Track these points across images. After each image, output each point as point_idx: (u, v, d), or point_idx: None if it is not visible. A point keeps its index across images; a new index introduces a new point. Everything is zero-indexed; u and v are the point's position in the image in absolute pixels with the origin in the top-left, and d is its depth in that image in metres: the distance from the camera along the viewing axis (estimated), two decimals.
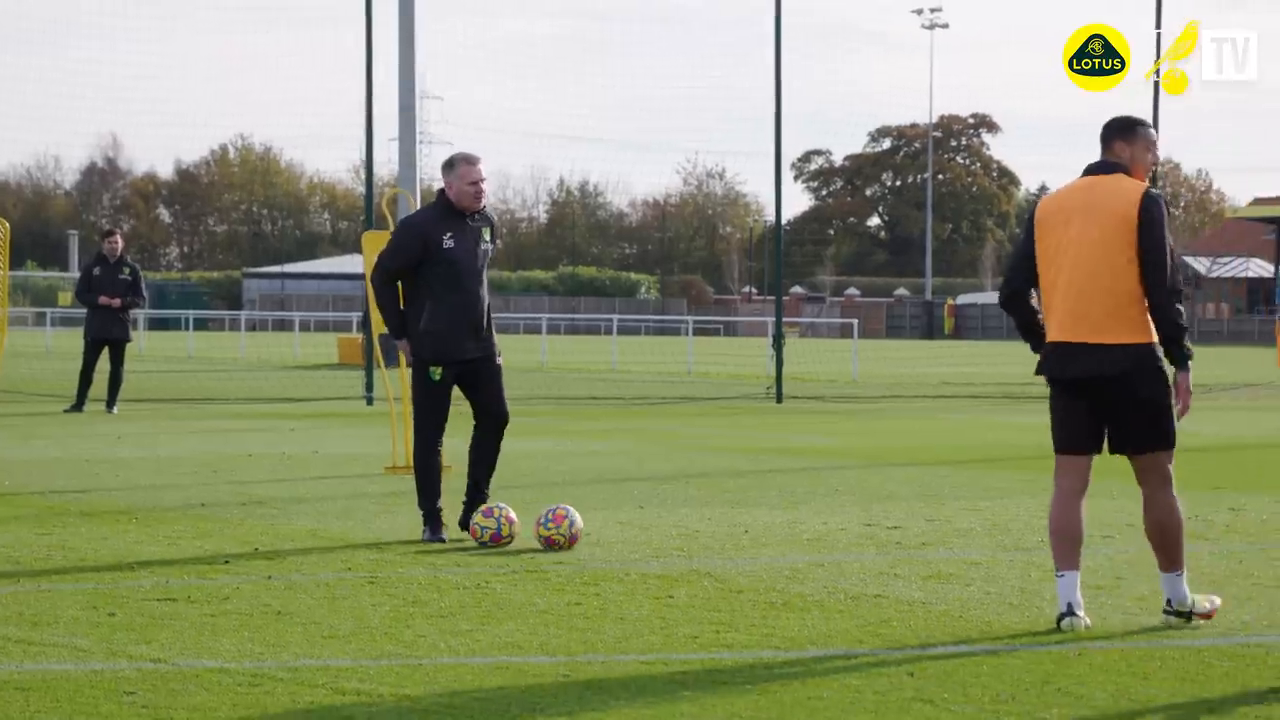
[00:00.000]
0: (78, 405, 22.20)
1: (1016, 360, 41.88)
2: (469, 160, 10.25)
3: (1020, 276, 7.93)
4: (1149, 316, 7.65)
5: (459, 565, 9.47)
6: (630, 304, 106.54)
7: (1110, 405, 7.71)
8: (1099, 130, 7.96)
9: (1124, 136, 7.86)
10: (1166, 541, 7.79)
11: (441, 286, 10.27)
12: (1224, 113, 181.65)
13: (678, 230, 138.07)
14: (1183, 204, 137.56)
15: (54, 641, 7.24)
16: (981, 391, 31.89)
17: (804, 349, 48.11)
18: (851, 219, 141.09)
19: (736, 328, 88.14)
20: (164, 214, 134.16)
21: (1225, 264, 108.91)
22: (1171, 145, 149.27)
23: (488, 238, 10.43)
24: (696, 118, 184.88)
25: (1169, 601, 7.77)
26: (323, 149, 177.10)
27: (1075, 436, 7.81)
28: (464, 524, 10.41)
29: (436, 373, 10.44)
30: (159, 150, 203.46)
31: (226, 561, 9.47)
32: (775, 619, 7.89)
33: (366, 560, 9.62)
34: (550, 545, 10.04)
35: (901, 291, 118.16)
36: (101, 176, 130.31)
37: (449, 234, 10.21)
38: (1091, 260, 7.66)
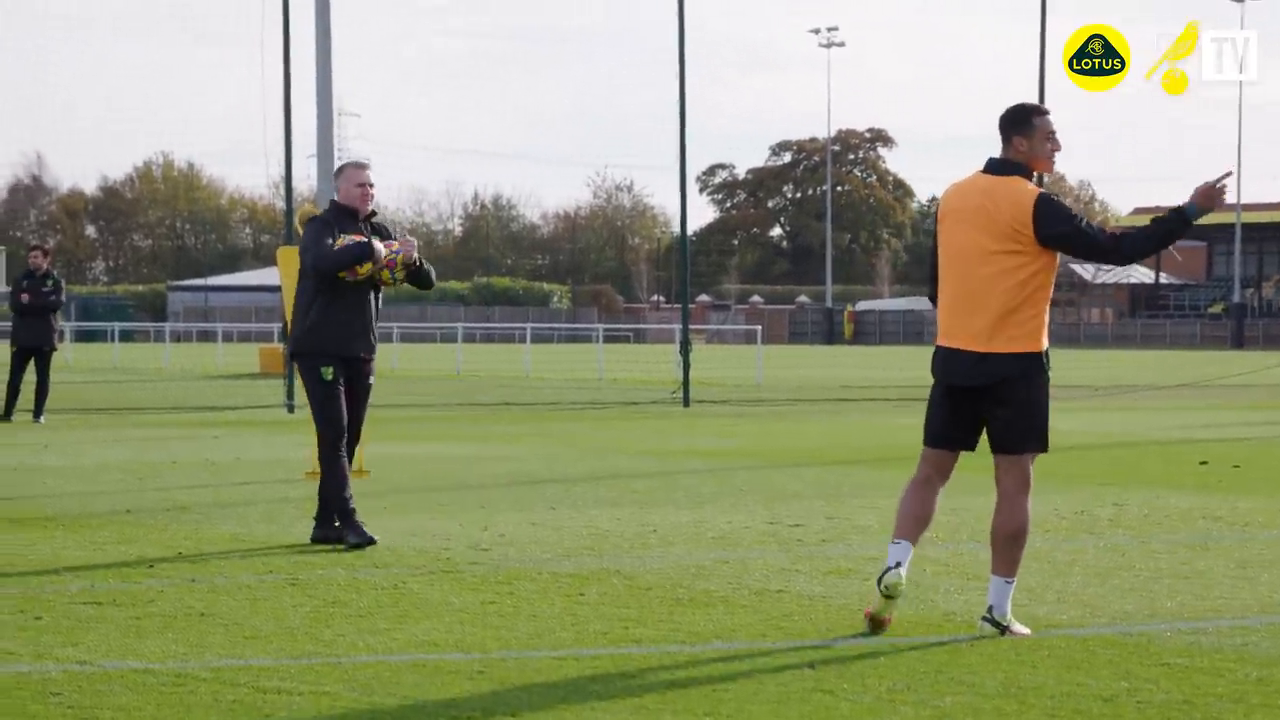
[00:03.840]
0: (5, 415, 22.47)
1: (913, 364, 42.36)
2: (358, 165, 10.83)
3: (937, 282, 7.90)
4: (1032, 326, 7.62)
5: (377, 566, 9.69)
6: (543, 313, 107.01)
7: (986, 409, 7.72)
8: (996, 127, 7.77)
9: (1021, 130, 7.70)
10: (1010, 546, 7.67)
11: (328, 285, 10.55)
12: (1103, 124, 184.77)
13: (588, 241, 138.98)
14: None
15: None
16: (880, 394, 32.30)
17: (710, 355, 48.56)
18: (754, 229, 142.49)
19: (645, 335, 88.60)
20: (90, 229, 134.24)
21: (1108, 271, 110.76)
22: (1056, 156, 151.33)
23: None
24: (605, 133, 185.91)
25: (990, 609, 7.64)
26: (243, 165, 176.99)
27: (940, 434, 7.84)
28: (316, 540, 10.60)
29: (328, 372, 10.64)
30: (84, 167, 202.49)
31: (151, 565, 9.64)
32: (682, 615, 8.14)
33: (287, 563, 9.82)
34: (388, 268, 10.46)
35: (803, 299, 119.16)
36: (27, 193, 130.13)
37: (345, 235, 10.53)
38: (978, 269, 7.62)
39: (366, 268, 10.50)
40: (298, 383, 15.46)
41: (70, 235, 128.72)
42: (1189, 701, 6.36)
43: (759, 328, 45.96)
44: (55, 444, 18.79)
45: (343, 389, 10.72)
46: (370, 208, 10.73)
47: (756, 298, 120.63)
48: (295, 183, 28.27)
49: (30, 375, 22.54)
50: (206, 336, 75.27)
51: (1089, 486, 14.23)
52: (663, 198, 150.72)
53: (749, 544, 10.68)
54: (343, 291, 10.59)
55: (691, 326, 32.67)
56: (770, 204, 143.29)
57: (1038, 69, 31.16)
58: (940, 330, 7.85)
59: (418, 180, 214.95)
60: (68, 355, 45.79)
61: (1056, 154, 7.81)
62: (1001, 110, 7.86)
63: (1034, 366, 7.67)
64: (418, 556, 10.10)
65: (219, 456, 17.05)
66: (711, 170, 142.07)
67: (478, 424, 23.41)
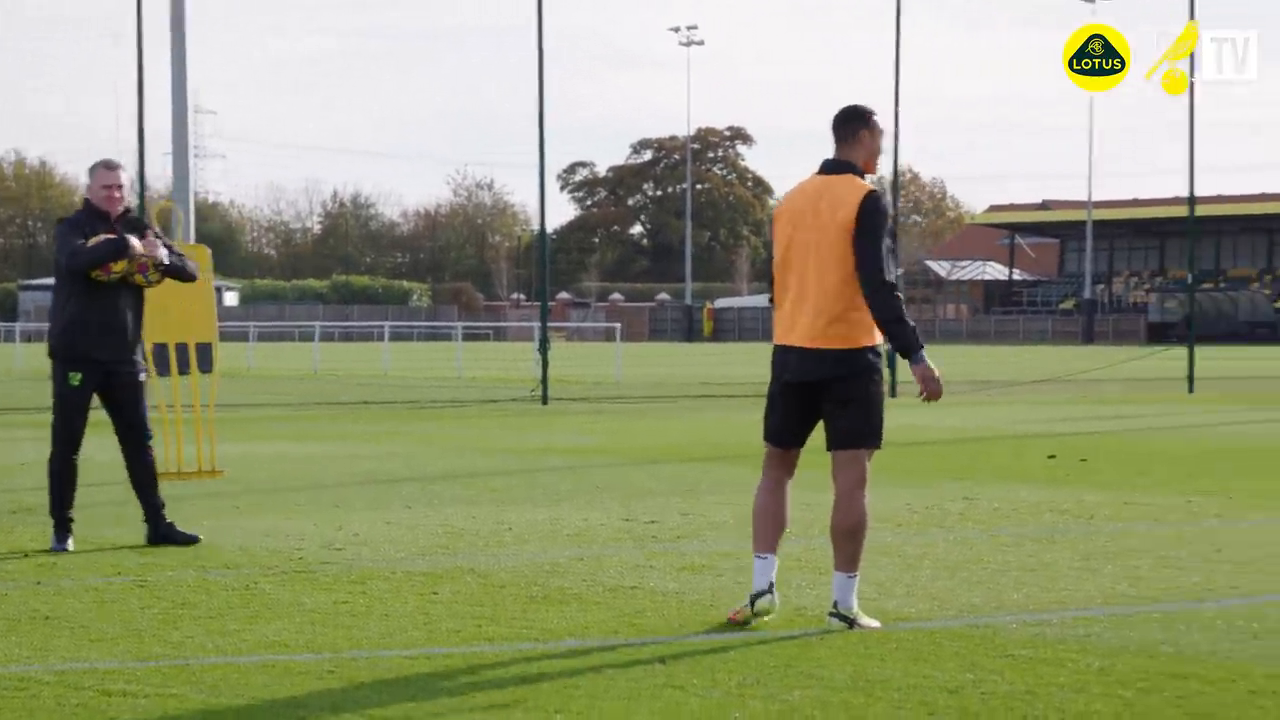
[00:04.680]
0: None
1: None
2: (107, 166, 10.62)
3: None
4: (865, 320, 7.75)
5: (228, 567, 9.61)
6: (402, 311, 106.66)
7: (825, 403, 7.82)
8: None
9: (855, 131, 7.89)
10: (849, 542, 7.76)
11: (82, 286, 10.41)
12: (957, 125, 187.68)
13: (448, 239, 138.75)
14: (924, 210, 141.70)
15: None
16: (738, 391, 32.46)
17: (570, 352, 48.56)
18: (615, 227, 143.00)
19: (505, 333, 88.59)
20: None
21: (964, 268, 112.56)
22: (910, 155, 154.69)
23: None
24: (466, 131, 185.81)
25: (836, 604, 7.74)
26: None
27: (785, 432, 7.95)
28: (153, 540, 10.54)
29: (75, 378, 10.47)
30: None
31: None
32: (535, 612, 8.16)
33: (136, 564, 9.72)
34: (141, 273, 10.36)
35: (663, 296, 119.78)
36: None
37: (94, 237, 10.38)
38: (813, 267, 7.77)
39: (121, 266, 10.34)
40: (152, 382, 15.28)
41: None
42: (1032, 692, 6.46)
43: (618, 325, 46.09)
44: None
45: (91, 396, 10.55)
46: (121, 208, 10.55)
47: (617, 295, 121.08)
48: (151, 180, 28.09)
49: None
50: None
51: (941, 481, 14.41)
52: (523, 195, 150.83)
53: (604, 541, 10.71)
54: (97, 294, 10.40)
55: (551, 324, 32.71)
56: (630, 202, 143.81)
57: (893, 67, 31.46)
58: (779, 330, 7.96)
59: (276, 178, 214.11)
60: None
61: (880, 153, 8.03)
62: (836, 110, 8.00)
63: (868, 361, 7.80)
64: (270, 557, 10.02)
65: None
66: (572, 168, 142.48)
67: (335, 423, 23.28)
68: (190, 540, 10.48)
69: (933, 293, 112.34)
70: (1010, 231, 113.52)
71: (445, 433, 21.23)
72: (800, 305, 7.83)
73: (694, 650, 7.28)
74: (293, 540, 10.68)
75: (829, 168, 7.93)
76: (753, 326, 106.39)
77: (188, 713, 6.19)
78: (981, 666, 6.90)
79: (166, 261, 10.53)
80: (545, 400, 28.26)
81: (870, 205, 7.74)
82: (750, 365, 46.75)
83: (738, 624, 7.80)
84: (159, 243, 10.58)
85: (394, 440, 19.70)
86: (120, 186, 10.55)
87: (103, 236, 10.34)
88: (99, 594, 8.68)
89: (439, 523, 11.58)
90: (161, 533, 10.56)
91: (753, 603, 7.79)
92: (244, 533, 11.05)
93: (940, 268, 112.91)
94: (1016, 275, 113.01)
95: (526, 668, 6.96)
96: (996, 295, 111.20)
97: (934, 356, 8.07)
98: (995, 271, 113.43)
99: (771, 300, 8.09)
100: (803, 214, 7.87)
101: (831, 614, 7.76)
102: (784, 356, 7.90)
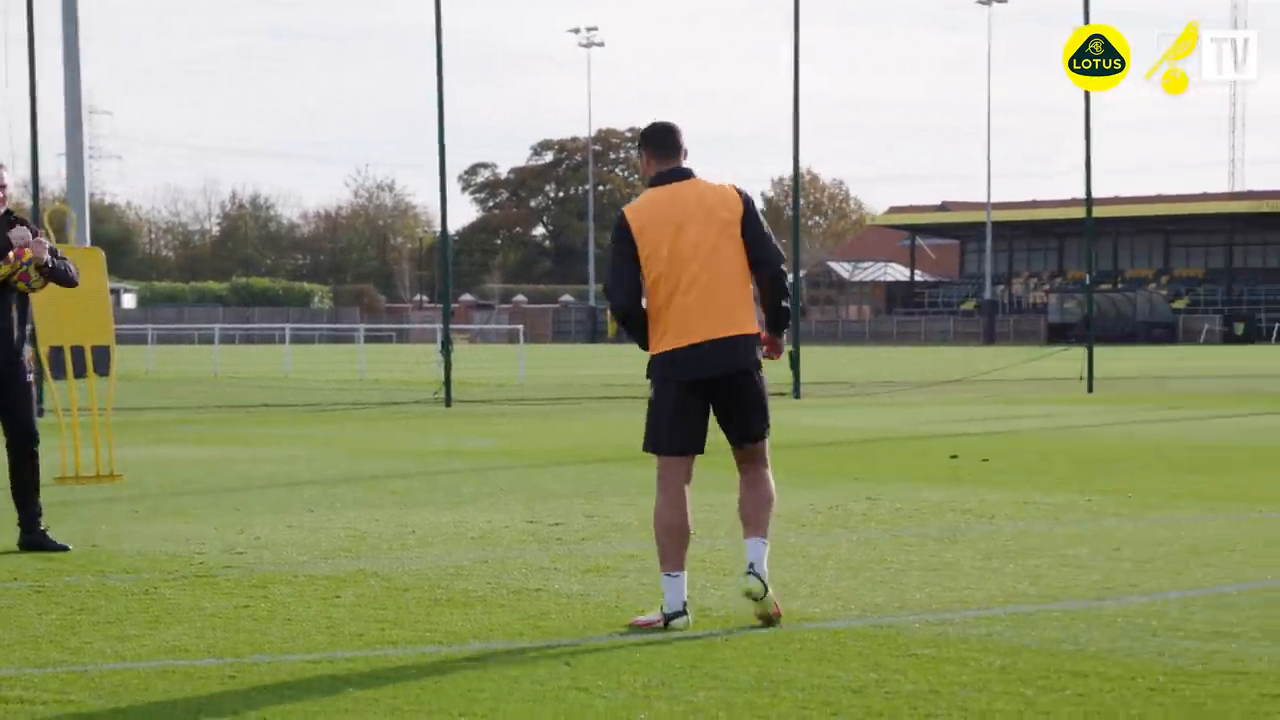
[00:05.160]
0: None
1: None
2: None
3: (639, 296, 8.00)
4: (754, 306, 8.03)
5: (128, 572, 9.51)
6: (304, 313, 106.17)
7: (732, 400, 7.94)
8: (661, 138, 8.15)
9: (683, 143, 8.17)
10: (767, 511, 7.94)
11: None
12: (857, 126, 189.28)
13: (349, 241, 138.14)
14: (824, 212, 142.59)
15: None
16: (641, 392, 32.41)
17: (473, 355, 48.40)
18: (517, 229, 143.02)
19: (408, 335, 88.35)
20: None
21: (865, 269, 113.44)
22: (810, 157, 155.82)
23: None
24: (367, 131, 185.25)
25: (752, 565, 7.77)
26: None
27: (695, 437, 7.98)
28: (24, 546, 10.42)
29: None
30: None
31: None
32: (439, 615, 8.12)
33: (34, 569, 9.61)
34: (23, 281, 10.23)
35: (566, 298, 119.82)
36: None
37: None
38: (712, 262, 7.88)
39: (3, 270, 10.22)
40: (47, 387, 15.13)
41: None
42: (935, 691, 6.49)
43: (521, 327, 46.11)
44: None
45: None
46: (2, 210, 10.40)
47: (520, 297, 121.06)
48: (44, 181, 27.67)
49: None
50: None
51: (843, 482, 14.48)
52: (425, 197, 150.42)
53: (508, 543, 10.69)
54: None
55: (454, 326, 32.62)
56: (533, 203, 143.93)
57: (793, 67, 31.60)
58: (673, 332, 7.93)
59: (173, 179, 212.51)
60: None
61: None
62: (651, 125, 8.29)
63: (759, 349, 8.03)
64: (170, 561, 9.93)
65: None
66: (473, 169, 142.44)
67: (236, 426, 23.12)
68: (61, 549, 10.34)
69: (835, 294, 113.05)
70: (911, 233, 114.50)
71: (347, 435, 21.13)
72: (704, 300, 7.89)
73: (599, 652, 7.28)
74: (193, 544, 10.59)
75: (678, 175, 8.09)
76: None
77: (87, 719, 6.11)
78: (885, 666, 6.93)
79: (50, 263, 10.38)
80: (448, 403, 28.18)
81: (749, 198, 8.08)
82: None
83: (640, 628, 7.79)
84: (44, 243, 10.42)
85: (296, 443, 19.59)
86: (4, 186, 10.40)
87: None
88: None
89: (341, 526, 11.51)
90: (34, 540, 10.43)
91: (667, 623, 7.77)
92: (143, 537, 10.95)
93: (842, 269, 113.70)
94: (918, 276, 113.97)
95: (430, 671, 6.93)
96: (898, 296, 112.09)
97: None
98: (897, 273, 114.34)
99: (627, 314, 8.04)
100: (684, 216, 7.94)
101: (749, 573, 7.77)
102: (694, 354, 7.89)
